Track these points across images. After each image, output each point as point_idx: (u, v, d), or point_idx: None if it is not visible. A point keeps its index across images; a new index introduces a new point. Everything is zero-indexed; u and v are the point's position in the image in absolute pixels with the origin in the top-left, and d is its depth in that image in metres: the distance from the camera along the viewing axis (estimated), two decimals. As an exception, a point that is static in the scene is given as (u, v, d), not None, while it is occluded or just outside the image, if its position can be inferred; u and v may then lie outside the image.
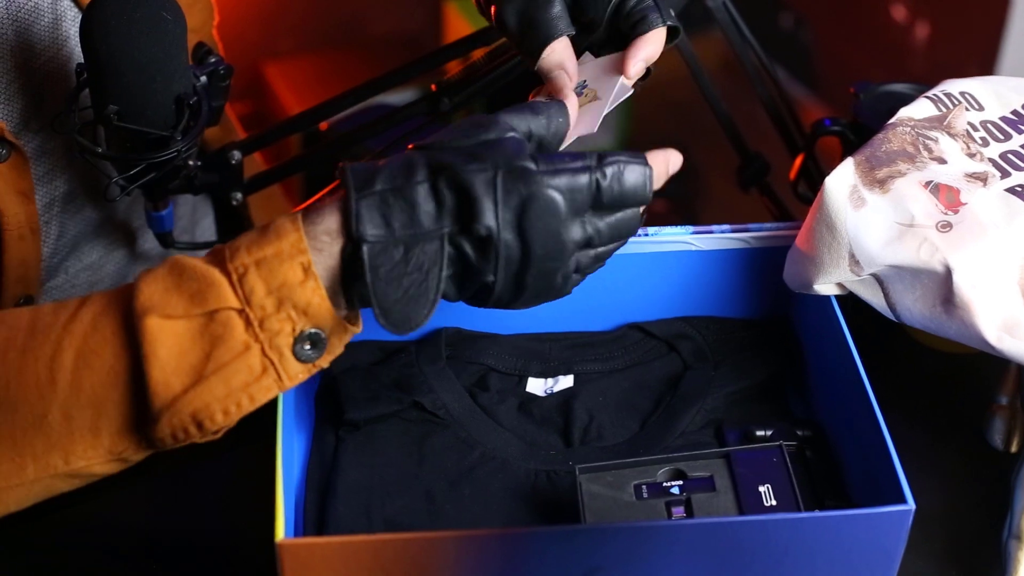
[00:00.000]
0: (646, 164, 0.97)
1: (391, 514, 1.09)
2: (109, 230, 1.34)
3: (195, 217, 1.50)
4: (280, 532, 0.95)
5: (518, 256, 0.93)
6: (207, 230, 1.53)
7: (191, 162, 1.17)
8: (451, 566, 0.98)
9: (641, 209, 0.99)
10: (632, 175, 0.96)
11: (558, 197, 0.93)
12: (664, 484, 1.06)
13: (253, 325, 0.92)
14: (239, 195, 1.27)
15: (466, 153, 0.94)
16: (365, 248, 0.91)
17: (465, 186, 0.92)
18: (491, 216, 0.92)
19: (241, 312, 0.92)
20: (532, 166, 0.93)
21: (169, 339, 0.92)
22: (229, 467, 1.24)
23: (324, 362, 0.95)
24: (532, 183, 0.92)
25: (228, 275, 0.93)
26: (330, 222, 0.93)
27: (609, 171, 0.95)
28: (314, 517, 1.10)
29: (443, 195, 0.92)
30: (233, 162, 1.25)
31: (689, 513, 1.04)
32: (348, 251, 0.93)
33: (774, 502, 1.05)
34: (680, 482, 1.07)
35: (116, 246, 1.36)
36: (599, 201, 0.95)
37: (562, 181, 0.93)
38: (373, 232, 0.91)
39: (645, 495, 1.06)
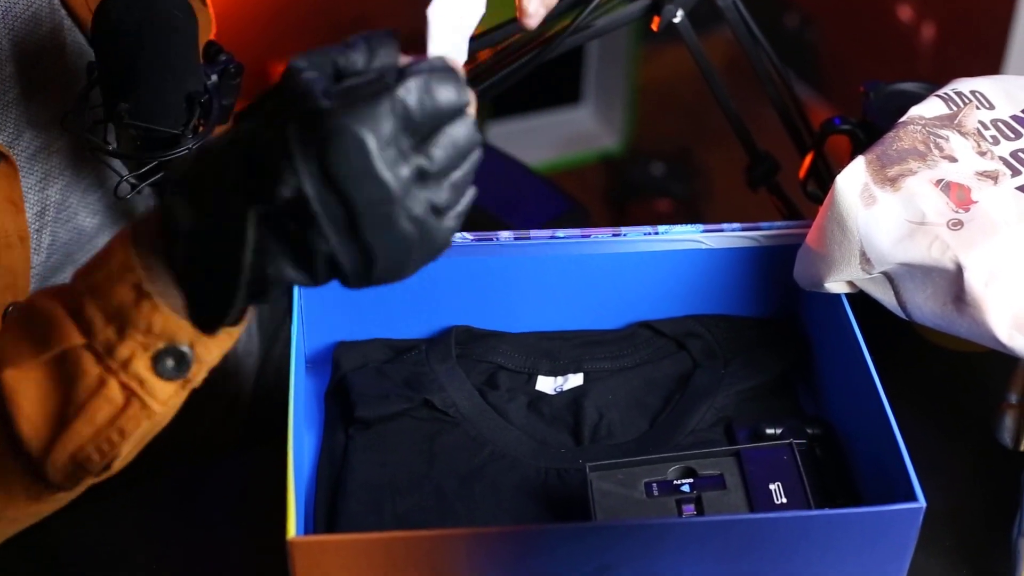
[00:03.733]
0: (450, 68, 0.86)
1: (402, 512, 1.10)
2: (105, 237, 1.33)
3: None
4: (291, 530, 0.95)
5: (341, 211, 0.83)
6: None
7: (201, 160, 1.17)
8: (462, 563, 0.98)
9: (470, 110, 0.87)
10: (443, 85, 0.84)
11: (360, 131, 0.81)
12: (675, 482, 1.06)
13: (103, 358, 0.88)
14: (247, 194, 1.27)
15: (261, 116, 0.85)
16: (178, 247, 0.86)
17: (255, 153, 0.83)
18: (290, 176, 0.82)
19: (88, 346, 0.89)
20: (323, 104, 0.82)
21: (29, 390, 0.90)
22: (241, 466, 1.24)
23: (198, 374, 0.90)
24: (325, 124, 0.81)
25: (67, 308, 0.89)
26: (149, 222, 0.89)
27: (413, 86, 0.83)
28: (325, 515, 1.10)
29: (236, 170, 0.84)
30: (243, 161, 1.25)
31: (700, 511, 1.04)
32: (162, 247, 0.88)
33: (784, 500, 1.05)
34: (690, 480, 1.06)
35: None
36: (413, 124, 0.84)
37: (360, 113, 0.82)
38: (184, 222, 0.85)
39: (656, 493, 1.05)
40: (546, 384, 1.21)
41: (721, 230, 1.20)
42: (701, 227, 1.20)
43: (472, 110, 0.87)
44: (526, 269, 1.20)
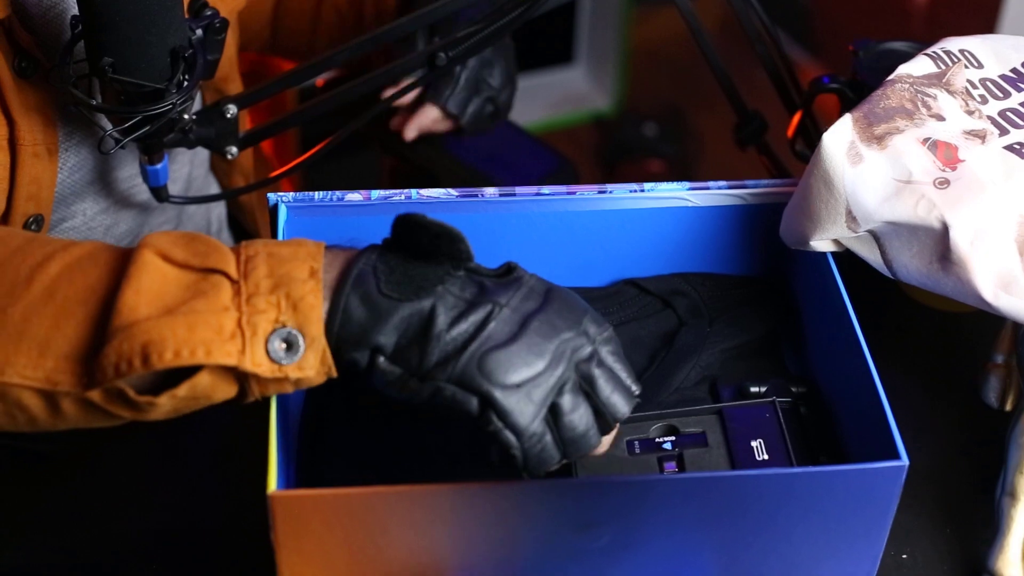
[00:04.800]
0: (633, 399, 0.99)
1: (385, 467, 1.09)
2: (131, 161, 1.32)
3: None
4: (272, 484, 0.95)
5: (537, 303, 0.96)
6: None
7: (186, 115, 1.17)
8: (444, 519, 0.98)
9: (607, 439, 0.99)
10: (622, 398, 0.97)
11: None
12: (657, 440, 1.06)
13: (241, 296, 0.92)
14: (234, 149, 1.26)
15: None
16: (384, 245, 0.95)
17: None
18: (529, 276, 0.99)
19: (235, 283, 0.93)
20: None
21: (156, 275, 0.92)
22: (224, 422, 1.23)
23: (292, 372, 0.93)
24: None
25: (238, 253, 0.94)
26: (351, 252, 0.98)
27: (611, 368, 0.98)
28: (307, 471, 1.10)
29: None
30: (228, 116, 1.24)
31: (681, 468, 1.04)
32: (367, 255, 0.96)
33: (766, 456, 1.05)
34: (672, 438, 1.06)
35: (138, 186, 1.34)
36: (590, 380, 0.96)
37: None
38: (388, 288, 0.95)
39: (637, 451, 1.05)
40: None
41: (707, 188, 1.20)
42: (687, 184, 1.20)
43: (609, 439, 0.99)
44: (511, 226, 1.20)
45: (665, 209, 1.21)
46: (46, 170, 1.19)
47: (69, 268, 0.94)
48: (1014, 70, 1.21)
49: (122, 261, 0.94)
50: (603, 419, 0.97)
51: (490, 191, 1.18)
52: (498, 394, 0.93)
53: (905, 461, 0.98)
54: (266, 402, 0.99)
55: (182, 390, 0.92)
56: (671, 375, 1.16)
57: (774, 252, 1.22)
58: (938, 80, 1.16)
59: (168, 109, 1.11)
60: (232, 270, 0.93)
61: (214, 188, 1.52)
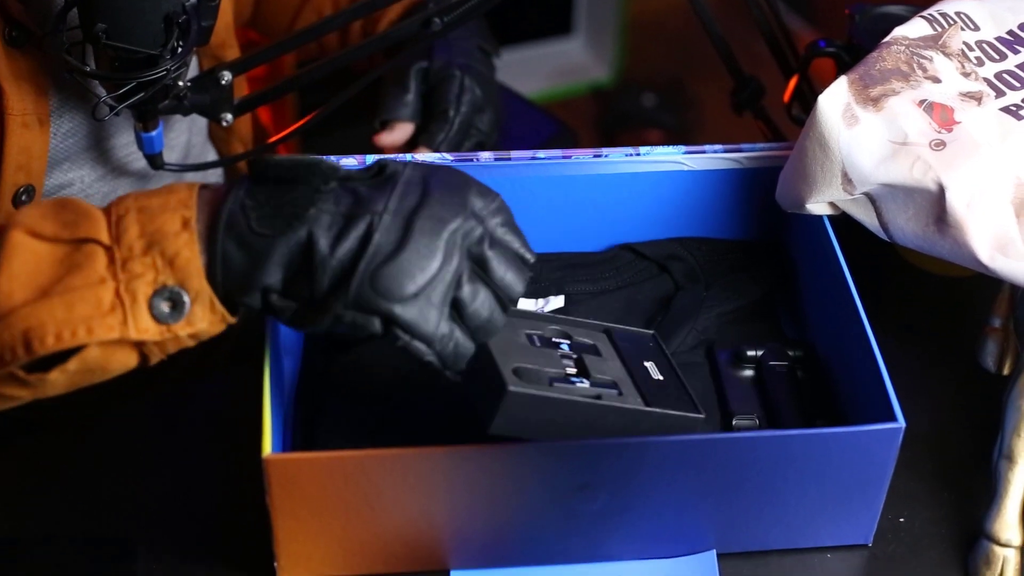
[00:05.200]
0: (525, 273, 0.98)
1: (380, 432, 1.09)
2: (127, 129, 1.32)
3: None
4: (267, 447, 0.95)
5: (416, 199, 0.93)
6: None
7: (180, 82, 1.16)
8: (438, 482, 0.98)
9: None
10: (516, 268, 0.97)
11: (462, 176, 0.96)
12: (553, 340, 1.05)
13: (116, 263, 0.91)
14: (229, 116, 1.26)
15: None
16: (258, 166, 0.93)
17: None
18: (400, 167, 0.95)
19: (108, 249, 0.91)
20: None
21: (27, 255, 0.91)
22: (220, 386, 1.24)
23: (182, 330, 0.92)
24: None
25: (108, 214, 0.92)
26: (223, 186, 0.95)
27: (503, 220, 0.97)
28: (303, 436, 1.10)
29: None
30: (223, 83, 1.24)
31: (582, 370, 1.03)
32: (238, 182, 0.93)
33: (661, 377, 1.05)
34: (568, 341, 1.06)
35: (135, 154, 1.34)
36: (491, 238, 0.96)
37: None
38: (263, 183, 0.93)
39: (537, 343, 1.04)
40: (527, 306, 1.21)
41: (703, 152, 1.20)
42: (683, 148, 1.19)
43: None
44: (507, 190, 1.18)
45: (661, 173, 1.21)
46: (36, 140, 1.19)
47: None
48: (1010, 32, 1.20)
49: None
50: (500, 300, 0.96)
51: (485, 155, 1.18)
52: (398, 309, 0.91)
53: (901, 423, 0.98)
54: (260, 367, 0.99)
55: (72, 364, 0.91)
56: (667, 339, 1.16)
57: (771, 216, 1.22)
58: (934, 42, 1.16)
59: (162, 75, 1.10)
60: (104, 235, 0.91)
61: (212, 156, 1.52)
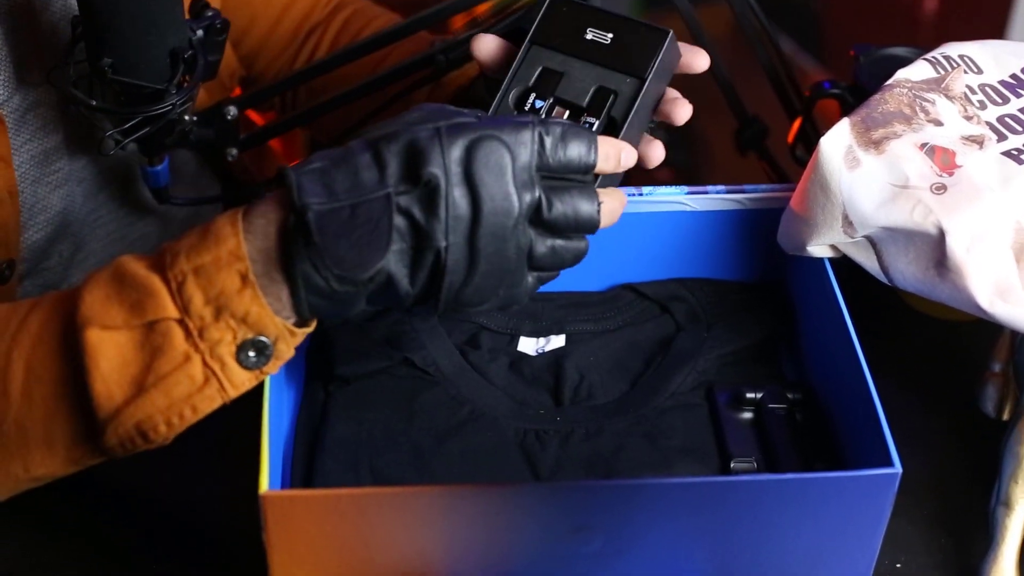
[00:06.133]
0: (592, 135, 0.97)
1: (379, 469, 1.09)
2: (104, 193, 1.33)
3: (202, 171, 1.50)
4: (264, 484, 0.95)
5: (468, 210, 0.92)
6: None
7: (186, 117, 1.17)
8: (436, 520, 0.98)
9: (594, 211, 0.97)
10: (577, 139, 0.95)
11: (502, 145, 0.92)
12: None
13: (193, 335, 0.92)
14: (234, 151, 1.27)
15: (405, 123, 0.95)
16: (310, 215, 0.90)
17: (407, 143, 0.92)
18: (437, 163, 0.91)
19: (180, 322, 0.92)
20: (473, 120, 0.94)
21: (110, 350, 0.92)
22: (219, 421, 1.23)
23: (273, 368, 0.95)
24: (476, 131, 0.92)
25: (167, 283, 0.93)
26: (267, 205, 0.93)
27: (554, 130, 0.95)
28: (302, 471, 1.10)
29: (385, 159, 0.92)
30: (228, 117, 1.24)
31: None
32: (291, 222, 0.91)
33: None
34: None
35: (113, 208, 1.34)
36: (544, 161, 0.94)
37: (507, 130, 0.93)
38: (316, 200, 0.90)
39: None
40: (528, 345, 1.21)
41: (706, 192, 1.20)
42: (685, 189, 1.20)
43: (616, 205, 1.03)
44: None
45: (663, 213, 1.21)
46: (9, 214, 1.18)
47: (30, 367, 0.94)
48: (1013, 76, 1.21)
49: (68, 344, 0.93)
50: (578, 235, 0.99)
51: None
52: (486, 308, 0.97)
53: (898, 469, 0.98)
54: (260, 401, 0.99)
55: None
56: (667, 380, 1.16)
57: (773, 258, 1.22)
58: (937, 85, 1.16)
59: (168, 110, 1.11)
60: (171, 310, 0.92)
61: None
